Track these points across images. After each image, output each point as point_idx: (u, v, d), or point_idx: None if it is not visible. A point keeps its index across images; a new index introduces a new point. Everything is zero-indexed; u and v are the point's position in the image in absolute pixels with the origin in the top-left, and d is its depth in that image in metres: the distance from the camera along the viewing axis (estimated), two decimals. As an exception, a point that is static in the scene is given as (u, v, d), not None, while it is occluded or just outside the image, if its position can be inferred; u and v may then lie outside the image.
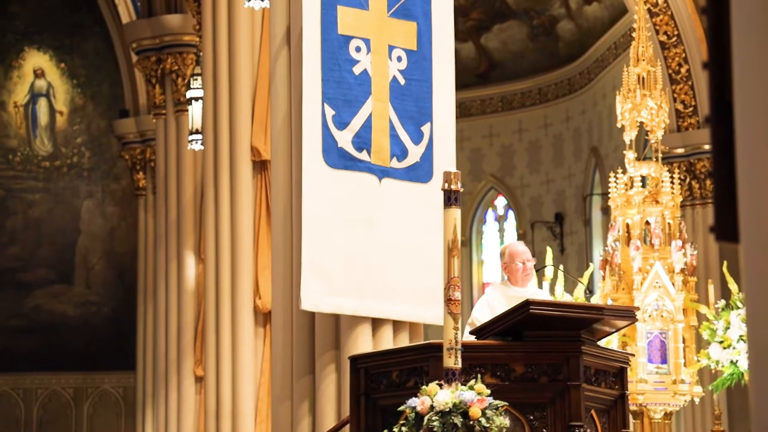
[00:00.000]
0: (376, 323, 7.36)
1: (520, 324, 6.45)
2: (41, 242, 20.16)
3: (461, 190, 6.15)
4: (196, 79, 14.31)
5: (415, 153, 7.52)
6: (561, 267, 12.39)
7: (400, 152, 7.49)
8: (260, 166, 11.61)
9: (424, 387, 5.96)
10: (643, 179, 11.99)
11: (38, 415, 19.74)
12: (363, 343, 7.22)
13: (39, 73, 20.32)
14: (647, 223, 11.74)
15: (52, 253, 20.11)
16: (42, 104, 20.37)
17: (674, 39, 16.12)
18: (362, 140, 7.39)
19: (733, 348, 11.01)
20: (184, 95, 15.30)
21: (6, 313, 19.84)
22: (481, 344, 6.55)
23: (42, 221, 20.19)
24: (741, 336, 10.94)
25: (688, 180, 16.17)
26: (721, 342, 11.15)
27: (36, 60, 20.33)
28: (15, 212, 20.24)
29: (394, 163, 7.47)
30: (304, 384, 7.40)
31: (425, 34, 7.64)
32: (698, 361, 11.41)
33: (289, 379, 7.49)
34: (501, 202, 21.32)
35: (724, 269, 11.97)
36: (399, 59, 7.56)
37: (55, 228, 20.17)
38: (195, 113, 14.38)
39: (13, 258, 20.10)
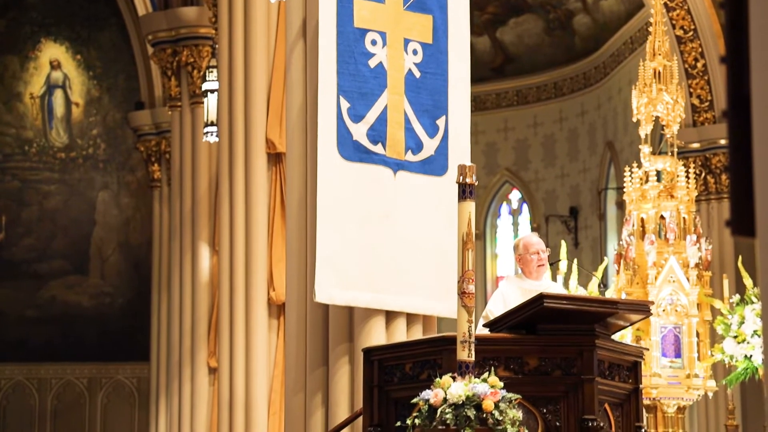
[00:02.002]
0: (390, 316, 7.36)
1: (534, 317, 6.45)
2: (56, 233, 20.21)
3: (476, 183, 6.14)
4: (212, 72, 14.32)
5: (430, 146, 7.52)
6: (575, 261, 12.38)
7: (415, 145, 7.48)
8: (275, 158, 11.62)
9: (437, 379, 5.96)
10: (659, 174, 11.98)
11: (52, 405, 19.81)
12: (376, 335, 7.23)
13: (55, 65, 20.36)
14: (662, 217, 11.73)
15: (67, 244, 20.17)
16: (58, 96, 20.41)
17: (690, 33, 16.08)
18: (377, 133, 7.38)
19: (747, 343, 10.99)
20: (200, 87, 15.31)
21: (21, 304, 19.91)
22: (494, 337, 6.55)
23: (57, 212, 20.24)
24: (755, 331, 10.92)
25: (703, 175, 16.14)
26: (735, 337, 11.14)
27: (52, 51, 20.37)
28: (30, 203, 20.30)
29: (409, 156, 7.46)
30: (318, 376, 7.41)
31: (441, 28, 7.63)
32: (712, 355, 11.40)
33: (303, 371, 7.49)
34: (515, 195, 21.31)
35: (739, 264, 11.95)
36: (414, 52, 7.55)
37: (71, 219, 20.22)
38: (210, 105, 14.39)
39: (28, 249, 20.16)
